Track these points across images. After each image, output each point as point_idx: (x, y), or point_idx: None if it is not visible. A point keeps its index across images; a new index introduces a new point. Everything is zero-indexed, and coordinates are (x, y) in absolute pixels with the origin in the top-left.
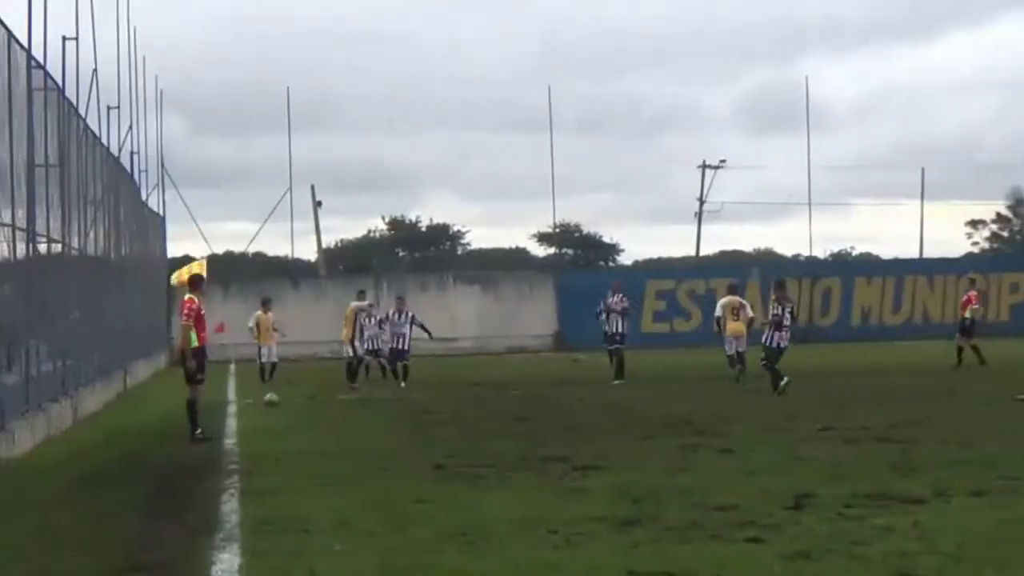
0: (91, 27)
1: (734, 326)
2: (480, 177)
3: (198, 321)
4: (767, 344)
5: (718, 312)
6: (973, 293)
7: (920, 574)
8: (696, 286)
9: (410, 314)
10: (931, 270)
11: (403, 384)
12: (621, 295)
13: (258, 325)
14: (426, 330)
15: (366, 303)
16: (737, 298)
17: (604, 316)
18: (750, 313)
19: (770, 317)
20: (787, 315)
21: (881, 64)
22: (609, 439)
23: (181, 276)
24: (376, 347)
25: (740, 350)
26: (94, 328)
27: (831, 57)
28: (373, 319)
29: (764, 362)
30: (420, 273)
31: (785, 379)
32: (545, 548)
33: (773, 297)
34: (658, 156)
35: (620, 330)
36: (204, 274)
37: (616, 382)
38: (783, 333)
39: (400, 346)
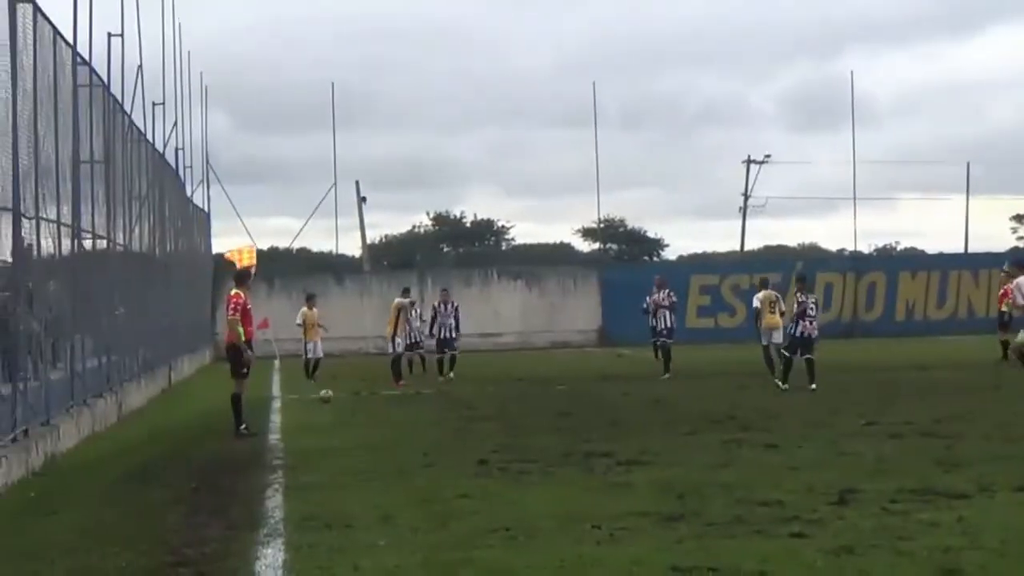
0: (136, 24)
1: (771, 319)
2: (524, 173)
3: (244, 316)
4: (792, 334)
5: (756, 304)
6: (1010, 286)
7: (964, 569)
8: (740, 281)
9: (455, 304)
10: (976, 264)
11: (451, 375)
12: (668, 290)
13: (304, 321)
14: (456, 326)
15: (407, 300)
16: (773, 292)
17: (652, 312)
18: (783, 307)
19: (795, 309)
20: (811, 305)
21: (925, 59)
22: (653, 434)
23: (233, 256)
24: (416, 339)
25: (776, 342)
26: (139, 324)
27: (875, 52)
28: (416, 312)
29: (786, 351)
30: (464, 268)
31: (784, 385)
32: (589, 543)
33: (795, 289)
34: (702, 151)
35: (668, 325)
36: (254, 261)
37: (665, 376)
38: (807, 323)
39: (445, 336)
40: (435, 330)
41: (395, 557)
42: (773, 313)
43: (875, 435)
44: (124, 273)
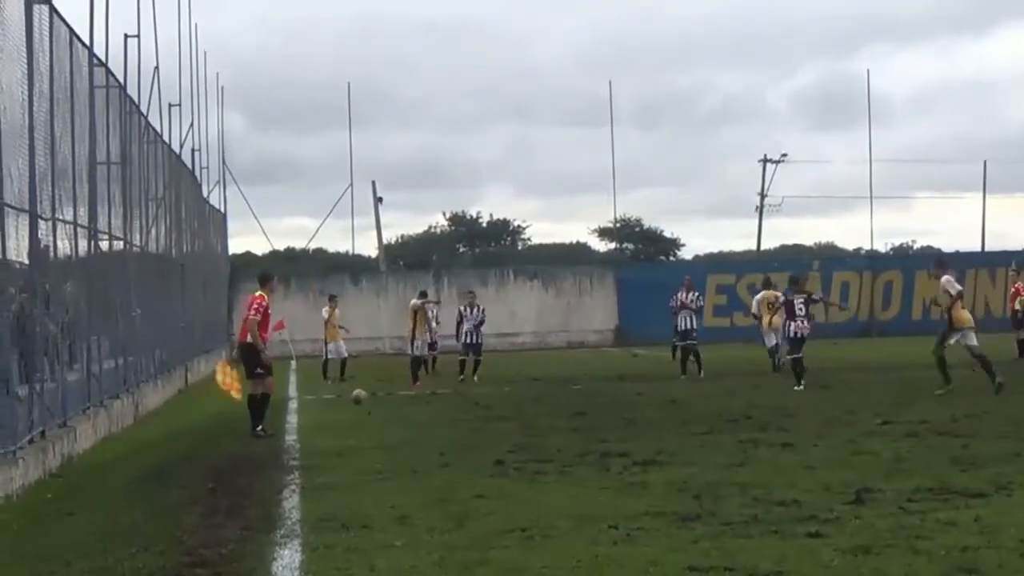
0: (152, 25)
1: (772, 319)
2: (541, 172)
3: (263, 319)
4: (787, 336)
5: (754, 308)
6: (1020, 284)
7: (982, 569)
8: (757, 280)
9: (482, 308)
10: (993, 263)
11: (476, 378)
12: (697, 293)
13: (325, 321)
14: (478, 327)
15: (419, 302)
16: (773, 292)
17: (675, 311)
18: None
19: (783, 309)
20: (800, 306)
21: (941, 57)
22: (669, 434)
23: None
24: (432, 340)
25: (779, 342)
26: (155, 325)
27: (891, 50)
28: (433, 314)
29: (791, 355)
30: (480, 268)
31: (801, 385)
32: (605, 543)
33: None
34: (718, 150)
35: (693, 326)
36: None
37: (700, 374)
38: (799, 323)
39: (472, 340)
40: (461, 334)
41: (411, 557)
42: (772, 312)
43: (892, 434)
44: (141, 274)
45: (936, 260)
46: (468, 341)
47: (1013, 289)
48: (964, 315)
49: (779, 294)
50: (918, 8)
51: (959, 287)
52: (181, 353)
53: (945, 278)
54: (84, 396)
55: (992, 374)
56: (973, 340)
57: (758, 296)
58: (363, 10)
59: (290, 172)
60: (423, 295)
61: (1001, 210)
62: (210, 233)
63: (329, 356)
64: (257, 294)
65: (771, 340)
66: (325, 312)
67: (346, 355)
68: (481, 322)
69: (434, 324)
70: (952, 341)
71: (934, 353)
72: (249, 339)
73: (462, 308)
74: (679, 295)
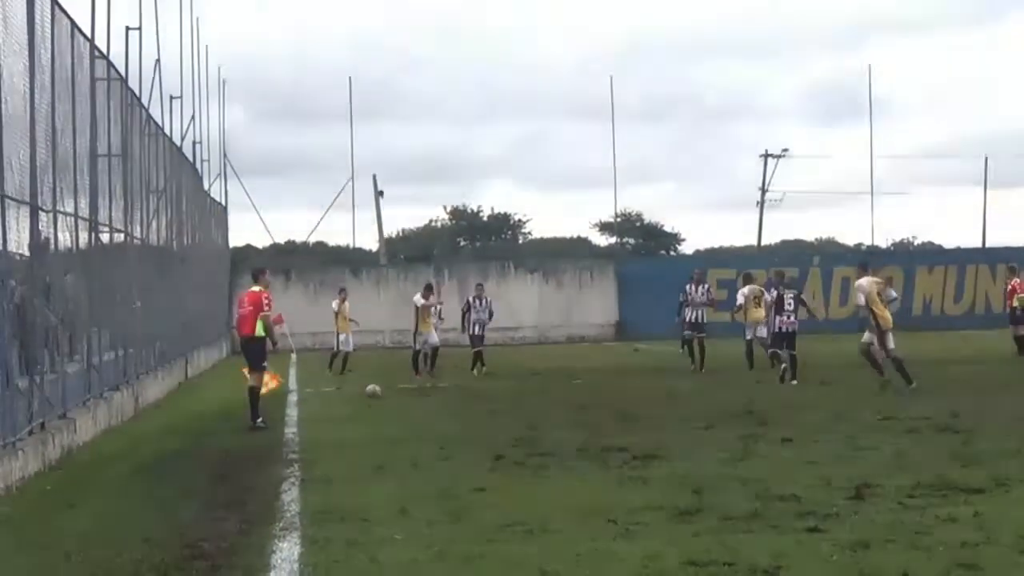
0: (154, 17)
1: (755, 313)
2: (542, 166)
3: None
4: (772, 331)
5: (740, 300)
6: (1016, 281)
7: (981, 564)
8: (757, 275)
9: (489, 300)
10: (994, 259)
11: (475, 372)
12: (707, 286)
13: (336, 313)
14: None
15: (423, 301)
16: (758, 287)
17: (685, 304)
18: (768, 299)
19: (772, 304)
20: (789, 301)
21: (944, 53)
22: (669, 429)
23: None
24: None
25: (760, 335)
26: (156, 317)
27: (893, 47)
28: (435, 310)
29: (772, 347)
30: (481, 262)
31: (783, 366)
32: (605, 538)
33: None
34: (720, 145)
35: (703, 319)
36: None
37: (701, 371)
38: (783, 317)
39: (479, 332)
40: (468, 325)
41: (411, 551)
42: (759, 307)
43: (892, 430)
44: (141, 266)
45: (859, 261)
46: (473, 332)
47: (1010, 286)
48: (887, 315)
49: (762, 288)
50: (920, 5)
51: (863, 300)
52: (181, 345)
53: (858, 283)
54: (84, 388)
55: (879, 368)
56: (869, 338)
57: (744, 289)
58: (365, 6)
59: (291, 166)
60: (428, 288)
61: (1002, 205)
62: (211, 226)
63: (340, 348)
64: (257, 289)
65: (750, 332)
66: (335, 304)
67: (351, 349)
68: (490, 315)
69: (435, 320)
70: (892, 344)
71: (889, 358)
72: (259, 332)
73: (471, 299)
74: (688, 288)
